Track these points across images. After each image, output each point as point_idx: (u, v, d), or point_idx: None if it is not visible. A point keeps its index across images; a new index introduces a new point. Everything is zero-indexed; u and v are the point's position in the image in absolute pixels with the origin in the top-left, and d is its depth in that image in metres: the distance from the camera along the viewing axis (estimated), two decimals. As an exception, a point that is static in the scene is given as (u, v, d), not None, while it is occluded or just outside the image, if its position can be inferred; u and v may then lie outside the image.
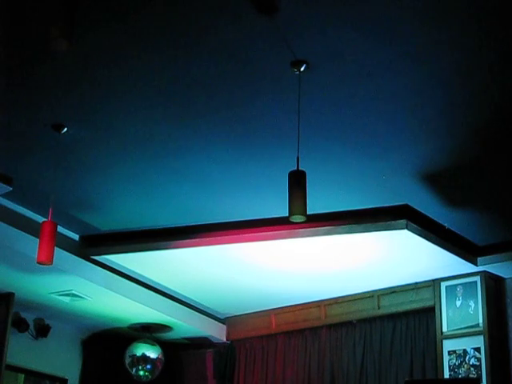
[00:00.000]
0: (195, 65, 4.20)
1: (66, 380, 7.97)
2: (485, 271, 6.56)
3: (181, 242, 6.31)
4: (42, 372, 7.76)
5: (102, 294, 7.03)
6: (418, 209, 5.74)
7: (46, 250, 4.87)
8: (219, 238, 6.19)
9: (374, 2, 3.70)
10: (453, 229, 6.04)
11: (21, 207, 6.02)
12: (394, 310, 7.12)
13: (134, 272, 7.09)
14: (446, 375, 6.55)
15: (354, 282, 7.09)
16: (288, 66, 4.13)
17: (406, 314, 7.08)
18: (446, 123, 4.68)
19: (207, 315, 8.06)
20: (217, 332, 8.19)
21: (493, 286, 6.63)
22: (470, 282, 6.64)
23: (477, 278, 6.60)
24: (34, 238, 5.52)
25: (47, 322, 7.78)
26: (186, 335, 8.23)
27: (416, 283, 6.95)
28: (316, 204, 5.29)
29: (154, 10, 3.80)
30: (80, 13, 3.70)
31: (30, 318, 7.64)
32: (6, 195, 5.73)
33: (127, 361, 8.04)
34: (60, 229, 5.51)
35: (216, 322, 8.18)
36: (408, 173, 5.25)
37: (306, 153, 4.34)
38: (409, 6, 3.71)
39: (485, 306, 6.50)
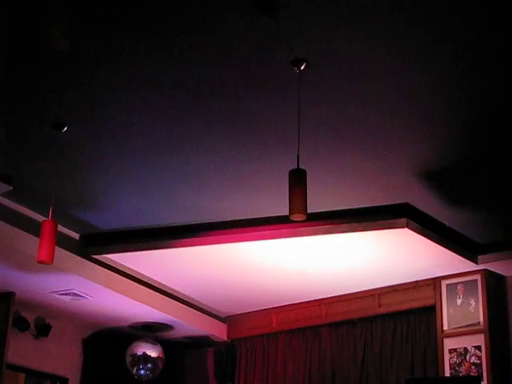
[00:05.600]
0: (195, 64, 4.20)
1: (67, 379, 7.96)
2: (485, 269, 6.56)
3: (181, 240, 6.31)
4: (42, 371, 7.76)
5: (102, 293, 7.03)
6: (419, 207, 5.74)
7: (46, 249, 4.87)
8: (220, 236, 6.19)
9: (374, 2, 3.70)
10: (453, 227, 6.04)
11: (21, 206, 6.03)
12: (394, 308, 7.12)
13: (134, 271, 7.09)
14: (447, 373, 6.55)
15: (354, 281, 7.09)
16: (288, 65, 4.12)
17: (407, 312, 7.07)
18: (446, 122, 4.67)
19: (208, 314, 8.06)
20: (218, 331, 8.19)
21: (493, 284, 6.63)
22: (471, 281, 6.64)
23: (477, 277, 6.60)
24: (34, 237, 5.52)
25: (48, 321, 7.78)
26: (187, 334, 8.23)
27: (417, 281, 6.95)
28: (316, 202, 5.29)
29: (153, 9, 3.80)
30: (79, 12, 3.70)
31: (30, 317, 7.64)
32: (7, 194, 5.73)
33: (128, 360, 8.04)
34: (60, 228, 5.51)
35: (217, 321, 8.18)
36: (408, 171, 5.25)
37: (306, 151, 4.33)
38: (409, 7, 3.71)
39: (485, 304, 6.50)
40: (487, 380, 6.33)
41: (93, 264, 6.73)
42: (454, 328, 6.63)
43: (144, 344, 8.06)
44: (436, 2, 3.68)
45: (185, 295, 7.67)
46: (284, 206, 4.21)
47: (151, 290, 7.36)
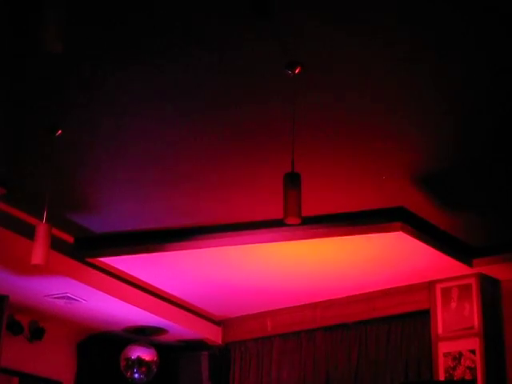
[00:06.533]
0: (191, 67, 4.20)
1: (61, 383, 7.95)
2: (480, 273, 6.56)
3: (176, 244, 6.30)
4: (36, 375, 7.74)
5: (97, 296, 7.02)
6: (413, 211, 5.74)
7: (40, 253, 4.86)
8: (214, 240, 6.18)
9: (369, 5, 3.70)
10: (448, 231, 6.04)
11: (15, 209, 6.01)
12: (389, 311, 7.12)
13: (129, 274, 7.08)
14: (441, 377, 6.54)
15: (349, 284, 7.09)
16: (283, 68, 4.12)
17: (401, 315, 7.07)
18: (440, 126, 4.68)
19: (203, 317, 8.06)
20: (212, 334, 8.18)
21: (488, 287, 6.63)
22: (466, 284, 6.63)
23: (472, 280, 6.60)
24: (28, 240, 5.50)
25: (42, 324, 7.76)
26: (182, 337, 8.22)
27: (411, 285, 6.95)
28: (311, 206, 5.29)
29: (150, 10, 3.80)
30: (76, 13, 3.69)
31: (24, 320, 7.62)
32: (1, 197, 5.72)
33: (122, 363, 8.03)
34: (55, 231, 5.49)
35: (211, 325, 8.17)
36: (403, 175, 5.25)
37: (300, 155, 4.33)
38: (403, 10, 3.71)
39: (480, 308, 6.49)
40: (482, 384, 6.34)
41: (87, 267, 6.72)
42: (449, 332, 6.63)
43: (138, 347, 8.04)
44: (432, 7, 3.69)
45: (179, 298, 7.65)
46: (279, 209, 4.21)
47: (146, 294, 7.35)
